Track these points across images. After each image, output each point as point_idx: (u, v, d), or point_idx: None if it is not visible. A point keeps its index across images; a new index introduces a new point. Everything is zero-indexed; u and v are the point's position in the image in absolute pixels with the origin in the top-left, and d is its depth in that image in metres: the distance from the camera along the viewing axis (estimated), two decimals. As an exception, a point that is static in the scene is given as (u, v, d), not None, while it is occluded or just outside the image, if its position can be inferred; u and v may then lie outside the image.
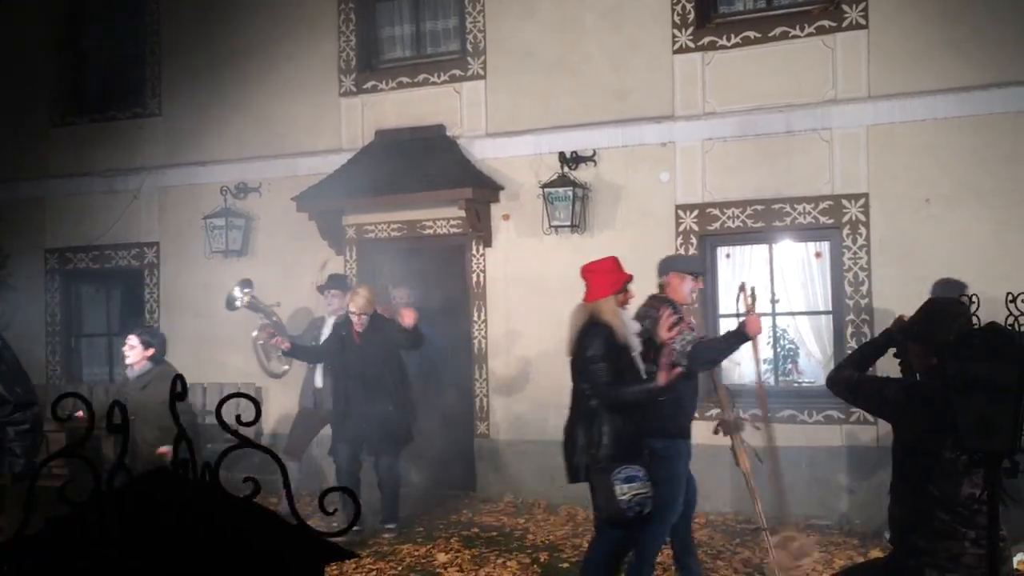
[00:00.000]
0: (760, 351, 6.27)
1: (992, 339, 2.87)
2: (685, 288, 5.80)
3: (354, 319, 7.50)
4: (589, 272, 5.35)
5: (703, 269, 6.42)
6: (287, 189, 9.61)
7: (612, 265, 5.36)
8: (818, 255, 8.27)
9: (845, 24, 7.95)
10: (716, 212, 8.36)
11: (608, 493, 4.94)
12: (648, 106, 8.57)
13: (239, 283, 8.92)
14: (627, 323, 5.25)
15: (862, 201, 7.90)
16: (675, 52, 8.51)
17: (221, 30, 10.21)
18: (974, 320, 3.30)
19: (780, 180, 8.14)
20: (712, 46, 8.39)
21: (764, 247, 8.41)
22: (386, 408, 7.44)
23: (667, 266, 5.97)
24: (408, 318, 7.36)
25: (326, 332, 8.43)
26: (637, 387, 5.03)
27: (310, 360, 8.29)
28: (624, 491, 4.89)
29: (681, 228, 8.47)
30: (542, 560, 6.92)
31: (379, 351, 7.48)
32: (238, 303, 8.93)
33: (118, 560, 1.37)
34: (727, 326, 8.54)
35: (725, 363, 8.60)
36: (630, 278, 5.38)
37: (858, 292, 7.89)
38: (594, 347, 5.03)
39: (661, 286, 5.91)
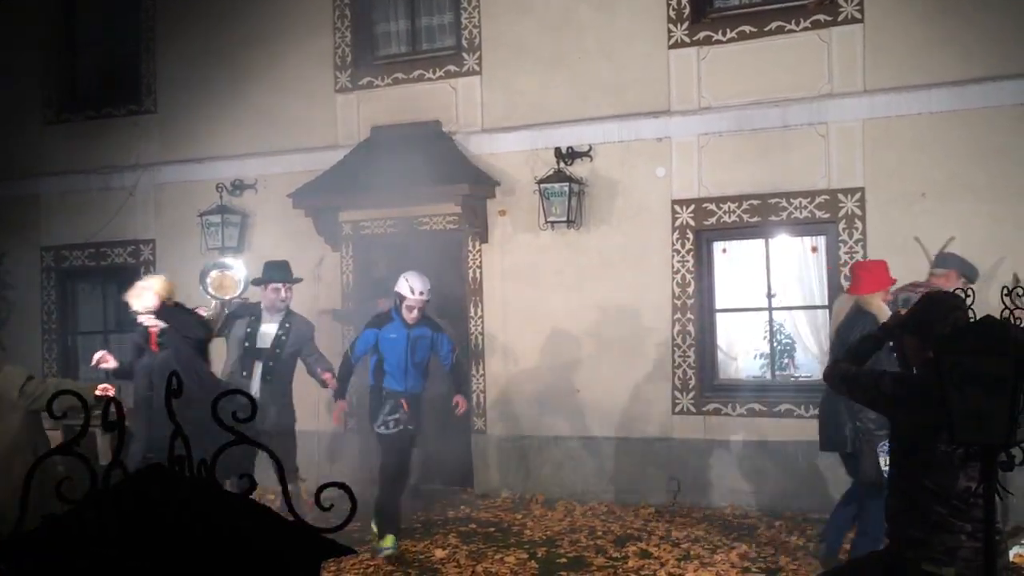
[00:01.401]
0: None
1: (987, 332, 2.88)
2: (952, 287, 6.50)
3: (145, 321, 6.25)
4: (863, 269, 6.04)
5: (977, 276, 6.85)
6: (283, 186, 9.59)
7: (885, 268, 6.04)
8: (814, 249, 8.28)
9: (841, 19, 7.95)
10: (712, 207, 8.36)
11: (875, 462, 5.60)
12: (644, 101, 8.57)
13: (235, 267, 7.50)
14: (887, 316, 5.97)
15: (858, 195, 7.90)
16: (671, 47, 8.51)
17: (216, 26, 10.19)
18: (970, 313, 3.31)
19: (776, 175, 8.14)
20: (708, 41, 8.39)
21: (760, 242, 8.42)
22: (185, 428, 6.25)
23: (950, 262, 6.75)
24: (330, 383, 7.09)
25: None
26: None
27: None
28: (886, 462, 5.46)
29: (677, 223, 8.47)
30: (540, 555, 6.93)
31: (172, 358, 6.15)
32: (213, 281, 7.47)
33: (116, 558, 1.37)
34: (723, 321, 8.57)
35: (722, 357, 8.67)
36: (894, 282, 6.06)
37: (854, 286, 7.89)
38: (863, 331, 5.46)
39: (932, 276, 6.67)
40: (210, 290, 7.16)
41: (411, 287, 7.00)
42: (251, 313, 7.20)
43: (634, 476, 8.51)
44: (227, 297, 7.11)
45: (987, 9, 7.53)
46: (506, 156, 9.03)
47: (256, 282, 7.25)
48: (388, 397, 6.99)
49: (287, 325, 7.15)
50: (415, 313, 7.00)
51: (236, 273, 7.31)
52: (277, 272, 7.21)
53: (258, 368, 7.06)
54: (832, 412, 5.89)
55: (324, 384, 7.26)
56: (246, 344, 7.11)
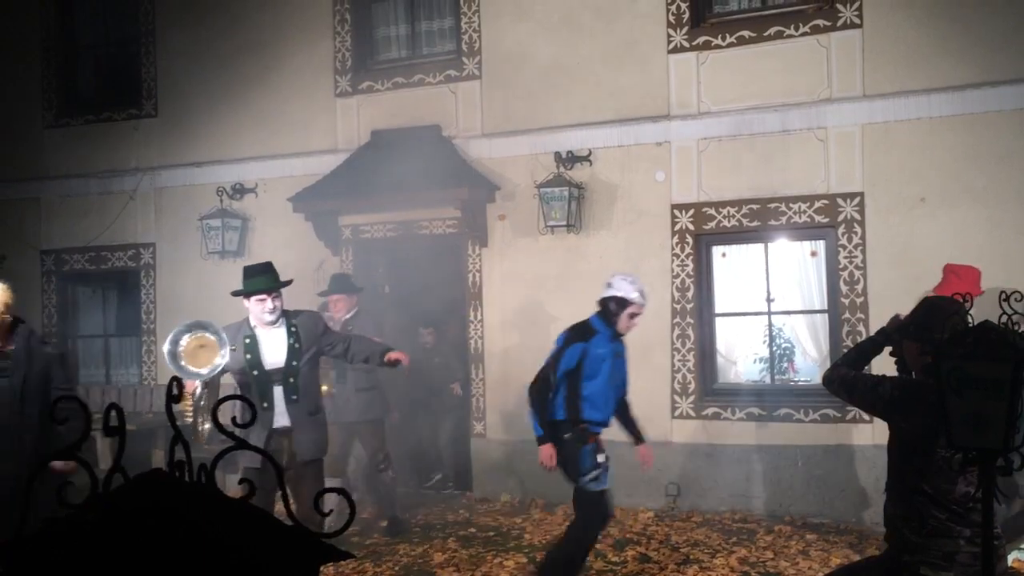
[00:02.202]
0: None
1: (986, 337, 2.88)
2: None
3: None
4: (953, 272, 6.01)
5: None
6: (283, 190, 9.61)
7: (977, 277, 5.99)
8: (813, 254, 8.29)
9: (840, 23, 7.97)
10: (712, 211, 8.37)
11: None
12: (643, 106, 8.59)
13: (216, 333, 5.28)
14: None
15: (857, 200, 7.91)
16: (670, 52, 8.53)
17: (217, 30, 10.21)
18: (968, 318, 3.32)
19: (775, 179, 8.15)
20: (707, 46, 8.40)
21: (760, 246, 8.43)
22: (16, 471, 5.00)
23: None
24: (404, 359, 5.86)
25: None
26: None
27: None
28: None
29: (677, 228, 8.48)
30: (539, 559, 6.93)
31: (13, 387, 5.20)
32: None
33: (115, 562, 1.38)
34: (723, 325, 8.58)
35: (721, 361, 8.66)
36: (981, 292, 5.97)
37: (853, 291, 7.90)
38: None
39: None
40: (186, 366, 5.13)
41: (640, 291, 5.85)
42: (243, 333, 5.64)
43: (633, 480, 8.50)
44: (207, 371, 5.15)
45: (986, 14, 7.55)
46: (506, 160, 9.05)
47: (236, 294, 5.81)
48: (584, 436, 5.66)
49: (294, 330, 5.69)
50: (635, 323, 5.91)
51: (210, 333, 5.23)
52: (258, 280, 5.65)
53: (278, 393, 5.61)
54: None
55: (394, 365, 5.86)
56: (255, 373, 5.59)
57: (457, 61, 9.33)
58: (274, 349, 5.64)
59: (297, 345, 5.67)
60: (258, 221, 10.04)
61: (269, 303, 5.61)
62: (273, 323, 5.66)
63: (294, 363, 5.65)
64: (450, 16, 9.54)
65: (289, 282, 5.88)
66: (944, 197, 7.64)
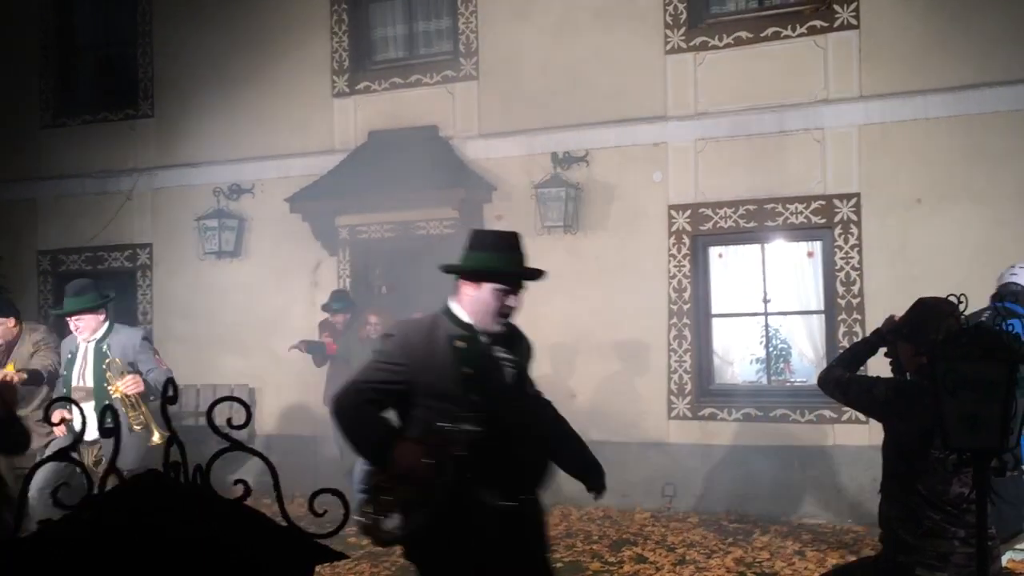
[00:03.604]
0: None
1: (980, 338, 2.89)
2: None
3: None
4: None
5: None
6: (280, 190, 9.61)
7: None
8: (810, 255, 8.30)
9: (837, 24, 7.98)
10: (708, 212, 8.38)
11: None
12: (640, 106, 8.59)
13: None
14: None
15: (854, 201, 7.93)
16: (667, 52, 8.53)
17: (214, 31, 10.19)
18: (962, 319, 3.33)
19: (772, 180, 8.16)
20: (704, 46, 8.41)
21: (756, 247, 8.44)
22: None
23: None
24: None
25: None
26: None
27: None
28: None
29: (674, 228, 8.49)
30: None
31: None
32: None
33: (110, 563, 1.38)
34: (719, 326, 8.59)
35: (718, 362, 8.67)
36: None
37: (850, 292, 7.92)
38: None
39: None
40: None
41: None
42: (445, 331, 3.62)
43: (630, 481, 8.50)
44: None
45: (983, 15, 7.57)
46: (503, 161, 9.05)
47: (454, 270, 3.88)
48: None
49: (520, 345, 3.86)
50: None
51: None
52: (509, 259, 3.91)
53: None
54: None
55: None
56: (477, 401, 3.46)
57: (455, 62, 9.33)
58: (504, 371, 3.65)
59: (515, 371, 3.66)
60: (255, 222, 10.03)
61: (513, 300, 3.75)
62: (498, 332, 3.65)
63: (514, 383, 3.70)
64: (447, 17, 9.54)
65: (542, 273, 3.97)
66: (941, 198, 7.66)
